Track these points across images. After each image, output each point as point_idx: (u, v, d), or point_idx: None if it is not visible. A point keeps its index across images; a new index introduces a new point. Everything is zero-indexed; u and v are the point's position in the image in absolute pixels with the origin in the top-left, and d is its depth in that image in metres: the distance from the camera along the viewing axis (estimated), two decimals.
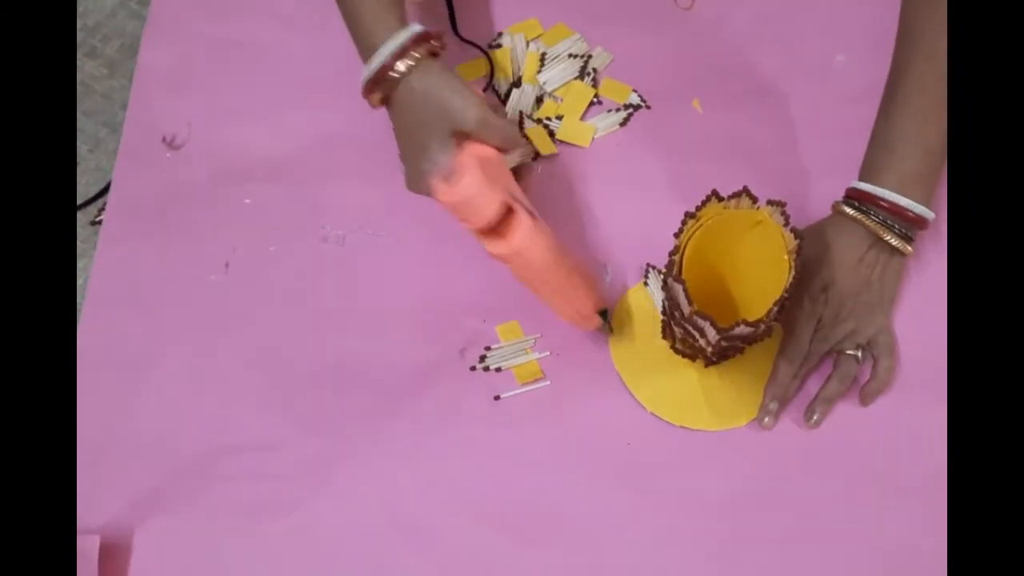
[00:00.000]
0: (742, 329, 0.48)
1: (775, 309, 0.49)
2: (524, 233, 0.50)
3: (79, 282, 0.63)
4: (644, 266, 0.61)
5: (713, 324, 0.48)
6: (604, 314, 0.57)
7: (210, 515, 0.54)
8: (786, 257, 0.49)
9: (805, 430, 0.56)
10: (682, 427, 0.56)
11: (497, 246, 0.51)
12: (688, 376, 0.57)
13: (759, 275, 0.51)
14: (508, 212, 0.51)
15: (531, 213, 0.52)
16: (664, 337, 0.57)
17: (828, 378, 0.56)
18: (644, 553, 0.53)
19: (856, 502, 0.54)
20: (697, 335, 0.51)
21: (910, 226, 0.54)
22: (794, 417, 0.57)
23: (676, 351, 0.56)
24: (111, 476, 0.55)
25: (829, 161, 0.61)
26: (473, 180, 0.49)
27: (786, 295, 0.48)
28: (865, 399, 0.55)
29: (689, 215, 0.51)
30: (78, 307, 0.61)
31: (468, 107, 0.51)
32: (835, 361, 0.56)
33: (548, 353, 0.58)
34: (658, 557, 0.53)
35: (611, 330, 0.58)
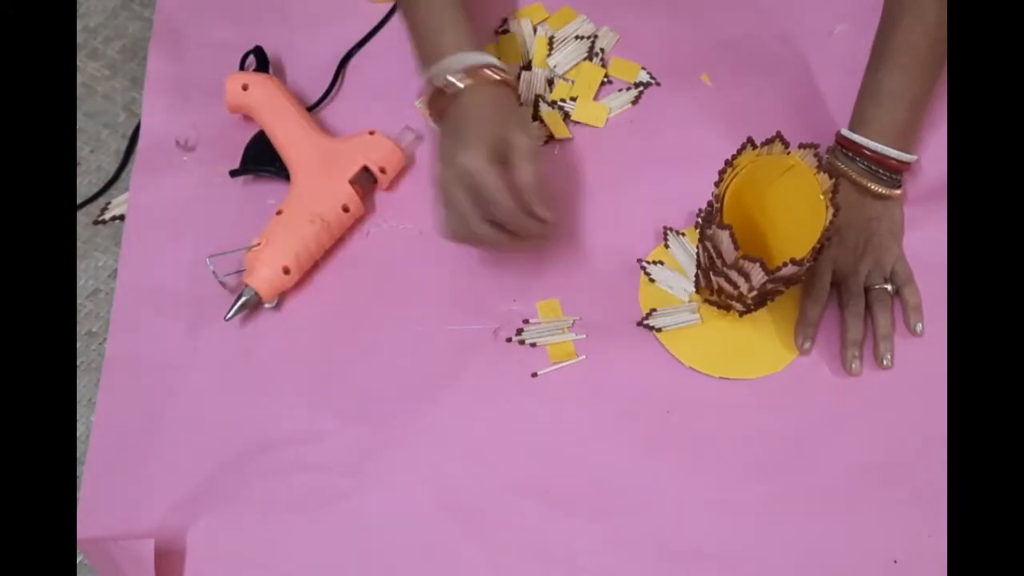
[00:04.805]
0: (789, 268, 0.47)
1: (818, 247, 0.47)
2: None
3: (80, 282, 0.58)
4: (662, 229, 0.57)
5: (763, 266, 0.46)
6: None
7: (259, 510, 0.51)
8: (822, 197, 0.48)
9: (844, 377, 0.54)
10: (721, 379, 0.53)
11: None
12: (721, 328, 0.55)
13: (790, 218, 0.49)
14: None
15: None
16: (698, 291, 0.54)
17: (873, 317, 0.54)
18: (691, 517, 0.50)
19: (898, 450, 0.51)
20: (741, 281, 0.48)
21: (894, 171, 0.54)
22: (833, 367, 0.54)
23: (710, 303, 0.54)
24: (159, 480, 0.52)
25: (835, 128, 0.58)
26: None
27: (827, 234, 0.47)
28: (913, 329, 0.54)
29: (727, 163, 0.48)
30: (103, 316, 0.57)
31: (530, 132, 0.52)
32: (868, 300, 0.55)
33: (585, 336, 0.55)
34: (705, 520, 0.50)
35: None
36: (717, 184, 0.48)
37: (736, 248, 0.46)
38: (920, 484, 0.50)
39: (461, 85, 0.50)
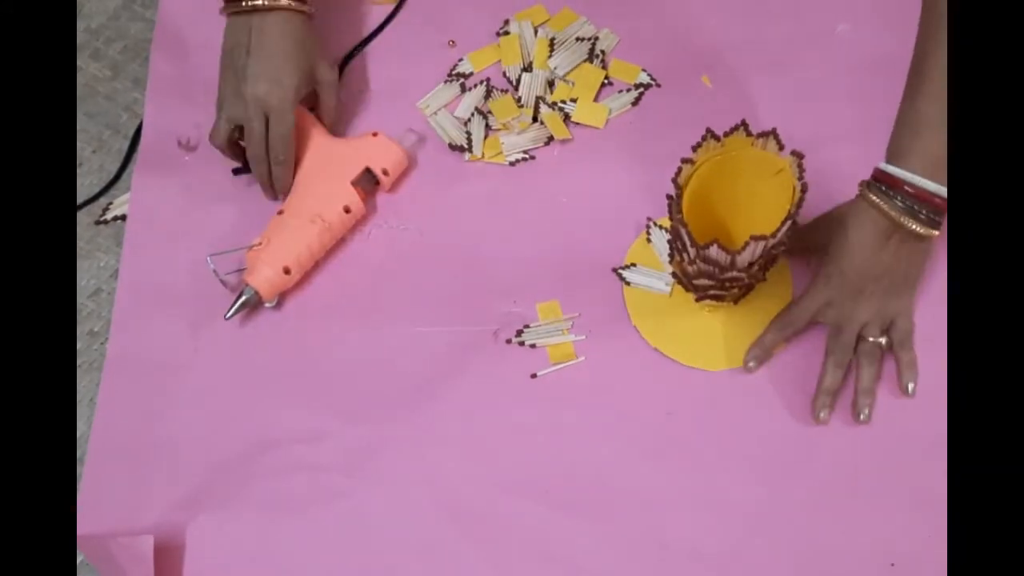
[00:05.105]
0: (714, 250, 0.46)
1: (754, 246, 0.46)
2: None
3: (82, 282, 0.58)
4: (646, 220, 0.58)
5: (689, 234, 0.46)
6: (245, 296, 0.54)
7: (259, 509, 0.51)
8: (788, 207, 0.47)
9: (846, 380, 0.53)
10: (720, 380, 0.53)
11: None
12: (688, 311, 0.55)
13: (771, 221, 0.48)
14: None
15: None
16: (671, 260, 0.53)
17: (857, 368, 0.52)
18: (691, 518, 0.50)
19: (897, 452, 0.51)
20: (680, 248, 0.49)
21: (936, 210, 0.49)
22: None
23: (674, 277, 0.54)
24: (159, 477, 0.52)
25: (837, 130, 0.59)
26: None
27: (771, 239, 0.46)
28: (905, 388, 0.52)
29: (712, 135, 0.48)
30: (105, 316, 0.57)
31: (329, 66, 0.58)
32: (856, 350, 0.52)
33: (584, 337, 0.55)
34: (704, 521, 0.50)
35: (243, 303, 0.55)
36: (695, 148, 0.48)
37: (679, 211, 0.46)
38: (919, 487, 0.50)
39: (291, 4, 0.54)
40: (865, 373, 0.51)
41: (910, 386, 0.51)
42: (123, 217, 0.59)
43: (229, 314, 0.53)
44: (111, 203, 0.60)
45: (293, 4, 0.54)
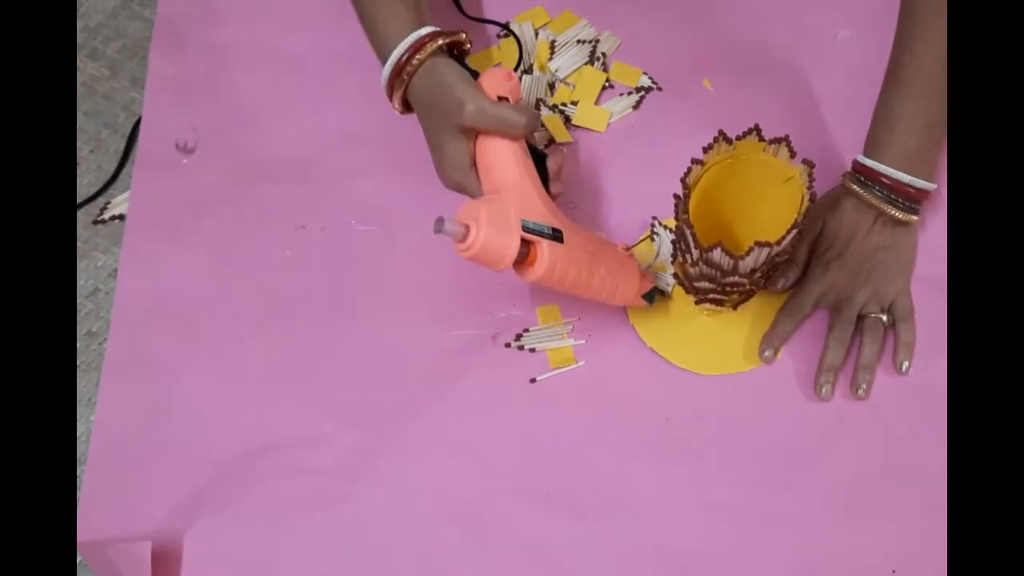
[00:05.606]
0: (719, 255, 0.46)
1: (758, 253, 0.46)
2: (546, 261, 0.47)
3: (80, 282, 0.58)
4: (650, 220, 0.58)
5: (694, 236, 0.47)
6: (651, 295, 0.53)
7: (257, 513, 0.51)
8: (795, 215, 0.47)
9: (845, 386, 0.53)
10: (720, 384, 0.53)
11: (526, 275, 0.48)
12: (687, 315, 0.55)
13: (779, 227, 0.48)
14: (529, 242, 0.47)
15: (553, 234, 0.47)
16: (673, 261, 0.53)
17: (860, 345, 0.53)
18: (691, 523, 0.50)
19: (897, 459, 0.51)
20: (684, 248, 0.49)
21: (912, 199, 0.53)
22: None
23: (675, 278, 0.54)
24: (157, 482, 0.52)
25: (837, 134, 0.60)
26: (484, 233, 0.45)
27: (776, 247, 0.47)
28: (899, 366, 0.53)
29: (724, 137, 0.48)
30: (103, 316, 0.57)
31: (464, 100, 0.48)
32: (860, 326, 0.54)
33: (584, 341, 0.55)
34: (704, 526, 0.50)
35: (660, 294, 0.55)
36: (706, 150, 0.48)
37: (685, 211, 0.47)
38: (920, 493, 0.50)
39: (414, 65, 0.48)
40: (867, 349, 0.52)
41: (904, 364, 0.53)
42: (121, 217, 0.59)
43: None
44: (109, 203, 0.60)
45: (421, 55, 0.48)
